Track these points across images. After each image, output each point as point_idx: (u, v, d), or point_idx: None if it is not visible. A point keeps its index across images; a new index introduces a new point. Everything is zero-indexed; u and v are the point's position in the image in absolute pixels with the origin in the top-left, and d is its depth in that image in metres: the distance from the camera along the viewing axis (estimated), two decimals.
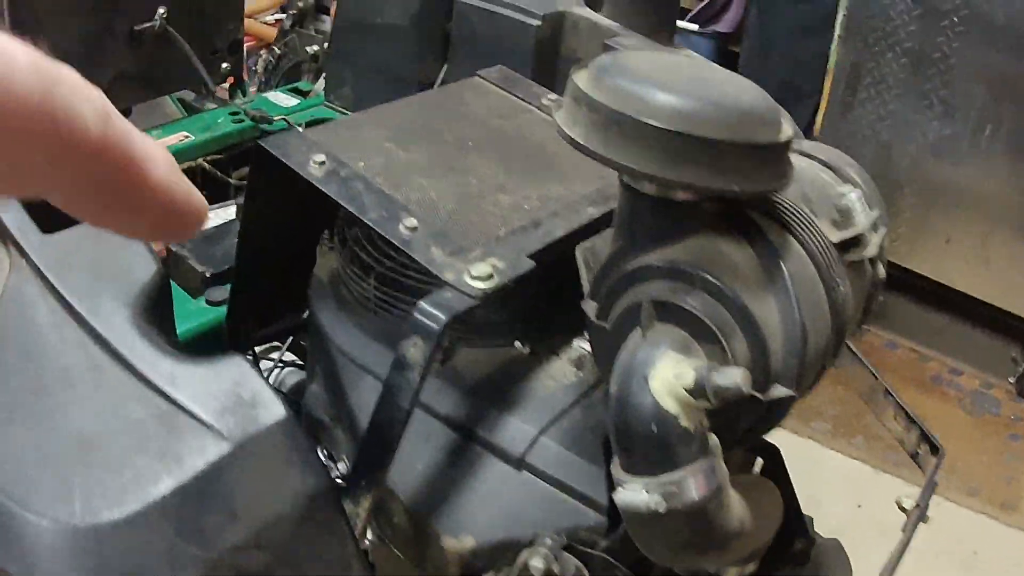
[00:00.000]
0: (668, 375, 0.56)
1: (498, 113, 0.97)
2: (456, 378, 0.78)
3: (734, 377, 0.53)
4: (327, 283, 0.89)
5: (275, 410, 0.65)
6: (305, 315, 1.17)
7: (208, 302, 1.03)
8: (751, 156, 0.56)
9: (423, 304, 0.67)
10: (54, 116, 0.23)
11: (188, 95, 1.74)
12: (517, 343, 0.81)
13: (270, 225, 0.93)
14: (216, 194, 1.42)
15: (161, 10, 1.47)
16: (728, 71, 0.65)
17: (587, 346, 0.83)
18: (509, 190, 0.83)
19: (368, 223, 0.73)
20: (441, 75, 1.37)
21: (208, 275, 1.11)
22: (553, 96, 1.01)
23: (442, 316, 0.66)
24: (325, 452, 0.88)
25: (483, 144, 0.90)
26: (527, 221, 0.79)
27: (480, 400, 0.77)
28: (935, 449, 0.97)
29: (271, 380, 1.12)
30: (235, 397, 0.64)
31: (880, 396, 1.02)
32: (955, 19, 2.09)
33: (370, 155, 0.83)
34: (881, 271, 0.71)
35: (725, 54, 3.05)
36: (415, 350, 0.66)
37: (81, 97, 0.25)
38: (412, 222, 0.73)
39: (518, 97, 1.01)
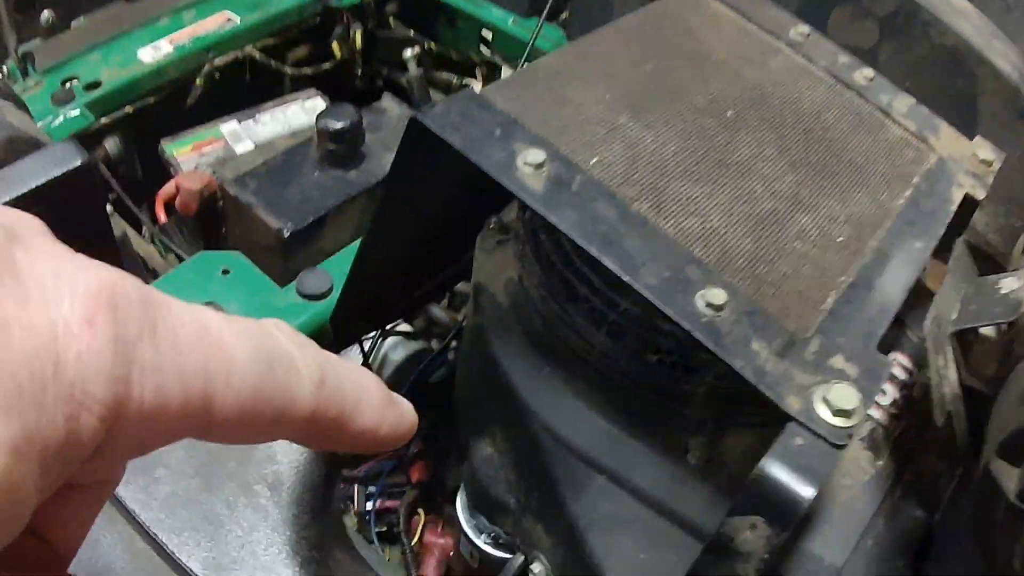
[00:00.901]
0: None
1: (743, 55, 0.66)
2: (723, 478, 0.55)
3: None
4: (506, 305, 0.63)
5: None
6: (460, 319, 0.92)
7: (301, 294, 0.75)
8: None
9: (768, 468, 0.42)
10: (272, 403, 0.23)
11: None
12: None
13: (412, 212, 0.65)
14: (267, 90, 1.09)
15: None
16: None
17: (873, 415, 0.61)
18: (807, 204, 0.56)
19: (644, 292, 0.46)
20: None
21: (287, 235, 0.82)
22: (804, 28, 0.70)
23: (805, 493, 0.41)
24: (500, 536, 0.66)
25: (746, 113, 0.61)
26: (854, 272, 0.52)
27: None
28: None
29: (371, 356, 0.87)
30: None
31: None
32: None
33: (603, 141, 0.54)
34: None
35: None
36: (753, 535, 0.42)
37: (297, 370, 0.24)
38: (715, 294, 0.46)
39: (756, 24, 0.70)
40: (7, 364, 0.18)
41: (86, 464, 0.20)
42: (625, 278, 0.46)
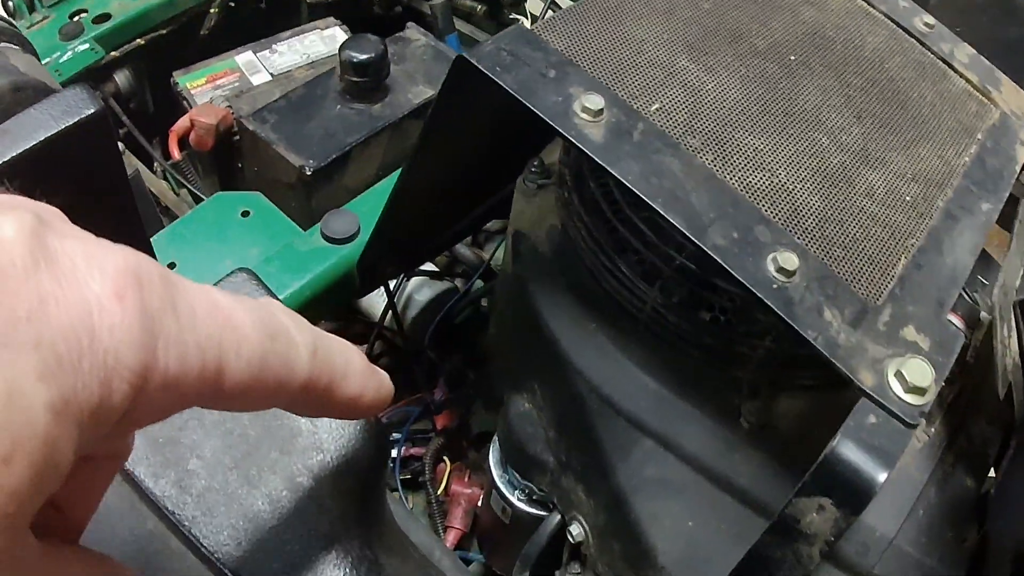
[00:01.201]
0: None
1: None
2: (776, 444, 0.53)
3: None
4: (549, 255, 0.60)
5: None
6: (489, 263, 0.88)
7: (327, 237, 0.72)
8: None
9: (841, 448, 0.40)
10: (275, 372, 0.25)
11: None
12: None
13: (450, 152, 0.61)
14: (284, 18, 1.04)
15: None
16: None
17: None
18: (875, 159, 0.53)
19: (713, 254, 0.43)
20: None
21: (309, 172, 0.78)
22: None
23: (878, 475, 0.40)
24: (534, 493, 0.64)
25: (809, 59, 0.57)
26: (923, 236, 0.50)
27: None
28: None
29: (396, 296, 0.84)
30: None
31: None
32: None
33: (663, 86, 0.51)
34: None
35: None
36: (820, 517, 0.41)
37: (295, 342, 0.26)
38: (787, 259, 0.43)
39: None
40: (47, 336, 0.20)
41: (115, 428, 0.22)
42: (693, 238, 0.44)
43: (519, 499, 0.66)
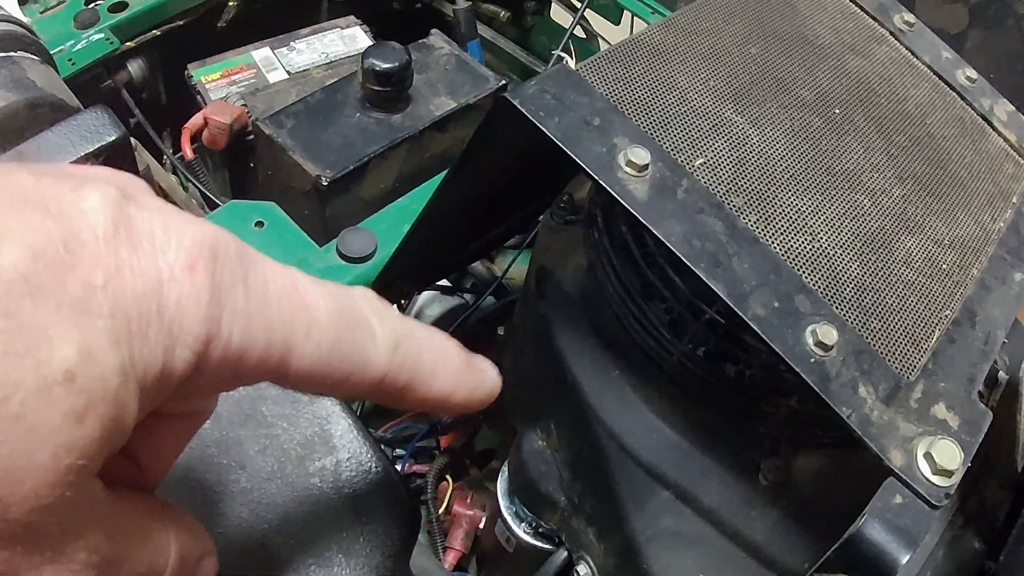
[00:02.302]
0: None
1: (847, 41, 0.61)
2: (793, 502, 0.53)
3: None
4: (574, 295, 0.59)
5: None
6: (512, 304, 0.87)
7: (343, 255, 0.71)
8: None
9: (867, 528, 0.40)
10: (347, 361, 0.25)
11: None
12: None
13: (481, 181, 0.61)
14: (303, 15, 1.01)
15: None
16: None
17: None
18: (912, 224, 0.52)
19: (752, 325, 0.43)
20: None
21: (326, 182, 0.77)
22: (909, 16, 0.65)
23: (900, 556, 0.40)
24: (540, 526, 0.64)
25: (853, 113, 0.56)
26: (957, 307, 0.50)
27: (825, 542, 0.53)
28: None
29: (407, 311, 0.83)
30: None
31: None
32: None
33: (708, 138, 0.50)
34: None
35: None
36: None
37: (374, 335, 0.26)
38: (826, 332, 0.43)
39: (859, 5, 0.65)
40: (120, 302, 0.21)
41: (178, 392, 0.23)
42: (733, 306, 0.43)
43: (525, 531, 0.65)
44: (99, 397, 0.20)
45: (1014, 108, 0.65)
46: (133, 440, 0.23)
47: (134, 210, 0.22)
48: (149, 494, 0.27)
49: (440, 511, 0.79)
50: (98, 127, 0.44)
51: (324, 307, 0.25)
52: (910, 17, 0.65)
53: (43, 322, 0.20)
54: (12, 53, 0.53)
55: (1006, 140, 0.62)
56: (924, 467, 0.42)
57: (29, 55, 0.54)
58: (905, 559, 0.40)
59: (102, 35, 0.89)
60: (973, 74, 0.64)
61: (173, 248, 0.22)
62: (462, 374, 0.29)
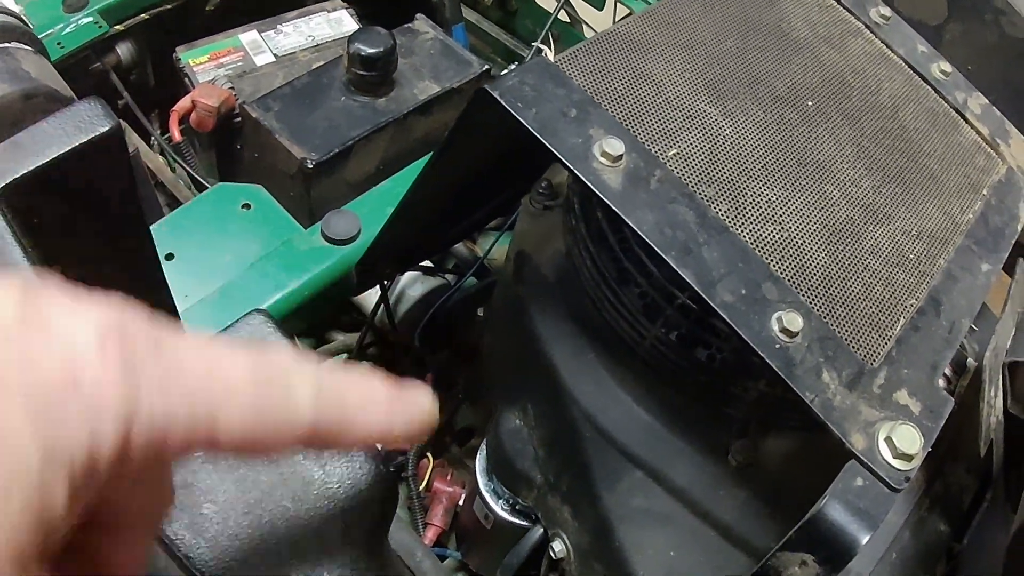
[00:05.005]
0: None
1: (823, 34, 0.63)
2: (760, 483, 0.55)
3: None
4: (551, 279, 0.61)
5: None
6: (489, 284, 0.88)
7: (327, 238, 0.72)
8: None
9: (829, 508, 0.42)
10: (273, 417, 0.25)
11: None
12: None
13: (463, 167, 0.62)
14: None
15: None
16: None
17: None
18: (881, 214, 0.54)
19: (720, 311, 0.44)
20: None
21: (311, 165, 0.78)
22: (885, 9, 0.66)
23: (860, 536, 0.41)
24: (517, 503, 0.65)
25: (826, 105, 0.58)
26: (923, 295, 0.51)
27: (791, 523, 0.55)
28: None
29: (389, 291, 0.84)
30: None
31: None
32: None
33: (682, 129, 0.51)
34: None
35: None
36: (801, 572, 0.43)
37: (293, 386, 0.26)
38: (791, 320, 0.45)
39: (837, 0, 0.66)
40: (36, 384, 0.21)
41: (113, 482, 0.23)
42: (702, 293, 0.44)
43: (502, 508, 0.67)
44: (20, 474, 0.20)
45: (988, 102, 0.66)
46: (97, 556, 0.23)
47: (42, 300, 0.23)
48: None
49: (421, 488, 0.80)
50: (92, 118, 0.45)
51: (240, 366, 0.25)
52: (886, 11, 0.66)
53: None
54: (6, 44, 0.54)
55: (979, 133, 0.64)
56: (885, 451, 0.43)
57: (22, 45, 0.54)
58: (865, 539, 0.41)
59: (91, 18, 0.89)
60: (948, 67, 0.66)
61: (82, 331, 0.22)
62: (393, 406, 0.29)
